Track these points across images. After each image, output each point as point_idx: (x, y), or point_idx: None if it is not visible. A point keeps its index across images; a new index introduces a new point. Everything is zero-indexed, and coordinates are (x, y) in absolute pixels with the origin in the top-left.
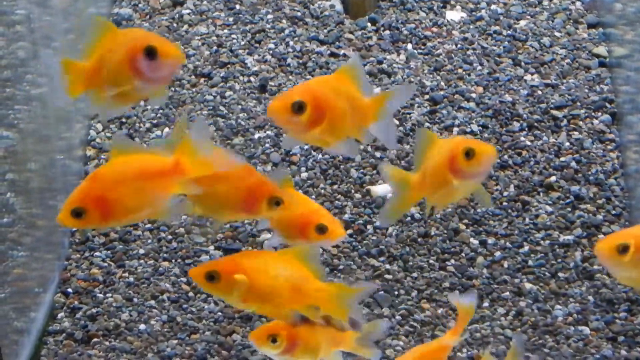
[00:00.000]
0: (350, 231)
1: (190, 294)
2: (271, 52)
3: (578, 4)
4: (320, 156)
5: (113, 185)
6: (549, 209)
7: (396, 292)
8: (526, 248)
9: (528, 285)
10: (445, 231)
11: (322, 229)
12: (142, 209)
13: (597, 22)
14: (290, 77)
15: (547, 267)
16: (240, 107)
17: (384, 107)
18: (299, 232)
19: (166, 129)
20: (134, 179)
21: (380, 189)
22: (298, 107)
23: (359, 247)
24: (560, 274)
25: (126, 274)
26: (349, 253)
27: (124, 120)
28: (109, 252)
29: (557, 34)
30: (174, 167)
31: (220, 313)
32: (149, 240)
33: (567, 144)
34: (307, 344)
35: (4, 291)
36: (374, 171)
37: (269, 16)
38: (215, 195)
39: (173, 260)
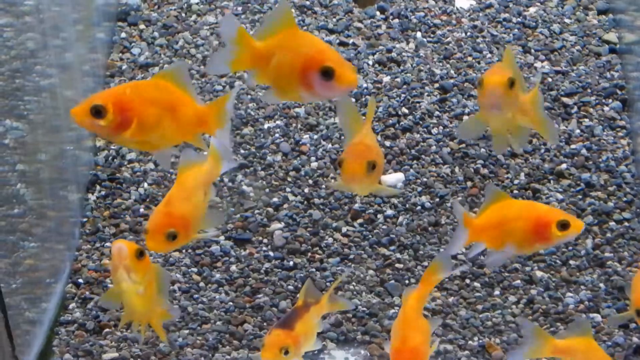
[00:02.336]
0: (360, 220)
1: (201, 284)
2: None
3: None
4: (330, 146)
5: (139, 100)
6: (560, 196)
7: (407, 281)
8: None
9: (539, 273)
10: (456, 220)
11: (327, 74)
12: (161, 135)
13: (607, 9)
14: None
15: (558, 255)
16: (249, 97)
17: (223, 113)
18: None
19: None
20: (161, 105)
21: (391, 178)
22: (96, 112)
23: (370, 236)
24: (572, 262)
25: None
26: (360, 242)
27: None
28: None
29: (567, 20)
30: (200, 115)
31: (231, 303)
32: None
33: (578, 131)
34: (306, 336)
35: (15, 282)
36: (384, 160)
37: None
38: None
39: (183, 251)
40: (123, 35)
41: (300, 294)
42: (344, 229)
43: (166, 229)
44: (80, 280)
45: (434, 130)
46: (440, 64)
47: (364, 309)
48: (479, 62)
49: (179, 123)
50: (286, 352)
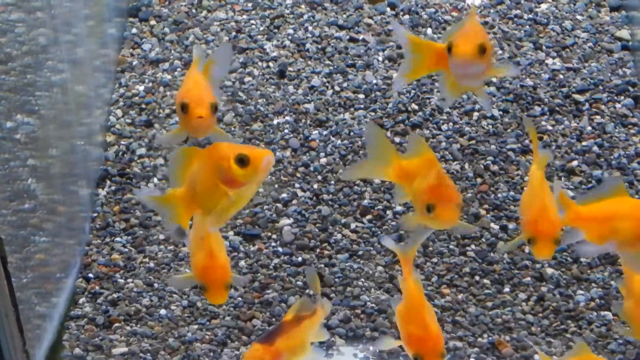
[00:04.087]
0: (369, 217)
1: None
2: (290, 37)
3: None
4: (339, 142)
5: None
6: (571, 193)
7: None
8: None
9: (550, 271)
10: (466, 216)
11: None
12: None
13: (620, 5)
14: (309, 62)
15: (569, 252)
16: (259, 92)
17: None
18: None
19: None
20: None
21: None
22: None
23: (379, 232)
24: (582, 259)
25: (147, 260)
26: (369, 239)
27: (143, 106)
28: (129, 237)
29: (578, 17)
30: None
31: (240, 298)
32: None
33: (589, 128)
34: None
35: (26, 276)
36: None
37: (288, 1)
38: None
39: None
40: (134, 31)
41: (291, 309)
42: (353, 225)
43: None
44: (91, 275)
45: (444, 127)
46: None
47: (373, 305)
48: None
49: None
50: None
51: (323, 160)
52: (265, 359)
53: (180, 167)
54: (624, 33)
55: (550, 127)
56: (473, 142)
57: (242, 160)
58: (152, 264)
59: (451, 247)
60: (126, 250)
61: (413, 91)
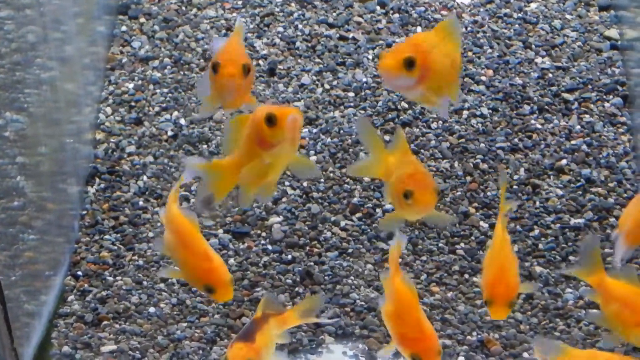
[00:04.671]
0: (359, 215)
1: None
2: (280, 35)
3: None
4: (329, 140)
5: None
6: (560, 192)
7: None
8: (537, 231)
9: (538, 269)
10: (455, 214)
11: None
12: None
13: (609, 5)
14: (299, 60)
15: (557, 251)
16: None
17: None
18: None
19: (175, 113)
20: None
21: None
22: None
23: (368, 230)
24: (571, 258)
25: (136, 257)
26: (358, 236)
27: (133, 104)
28: (118, 235)
29: (568, 16)
30: None
31: None
32: (159, 224)
33: (578, 127)
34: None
35: (14, 274)
36: None
37: None
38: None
39: None
40: (123, 28)
41: (259, 306)
42: (342, 223)
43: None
44: (79, 273)
45: (434, 125)
46: None
47: (362, 303)
48: (479, 57)
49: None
50: None
51: (313, 158)
52: (251, 356)
53: (232, 136)
54: (613, 32)
55: (539, 126)
56: (462, 140)
57: (270, 120)
58: (141, 262)
59: (440, 245)
60: (115, 248)
61: None
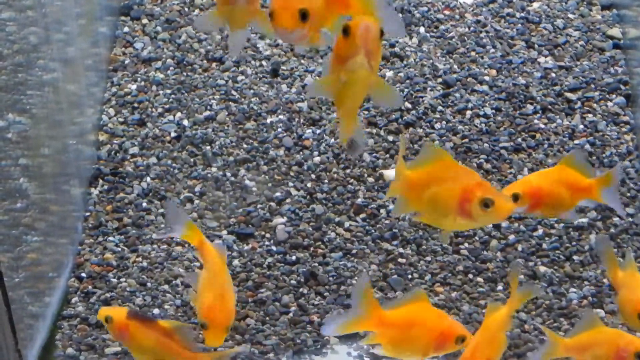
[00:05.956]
0: (363, 215)
1: None
2: None
3: None
4: (332, 140)
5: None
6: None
7: (409, 276)
8: (540, 231)
9: (542, 269)
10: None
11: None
12: None
13: (611, 4)
14: (302, 61)
15: (561, 250)
16: (252, 91)
17: None
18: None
19: (178, 114)
20: None
21: (393, 173)
22: None
23: (373, 231)
24: (575, 257)
25: (139, 259)
26: (363, 237)
27: (135, 105)
28: (122, 237)
29: (570, 15)
30: None
31: None
32: (162, 225)
33: (581, 126)
34: None
35: (18, 276)
36: (387, 155)
37: None
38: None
39: (186, 245)
40: (126, 29)
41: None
42: (346, 224)
43: None
44: (83, 275)
45: (437, 125)
46: (444, 59)
47: None
48: (482, 57)
49: None
50: None
51: (317, 159)
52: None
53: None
54: (616, 31)
55: (542, 126)
56: (466, 140)
57: (345, 31)
58: (145, 264)
59: (444, 245)
60: (119, 249)
61: (406, 90)
